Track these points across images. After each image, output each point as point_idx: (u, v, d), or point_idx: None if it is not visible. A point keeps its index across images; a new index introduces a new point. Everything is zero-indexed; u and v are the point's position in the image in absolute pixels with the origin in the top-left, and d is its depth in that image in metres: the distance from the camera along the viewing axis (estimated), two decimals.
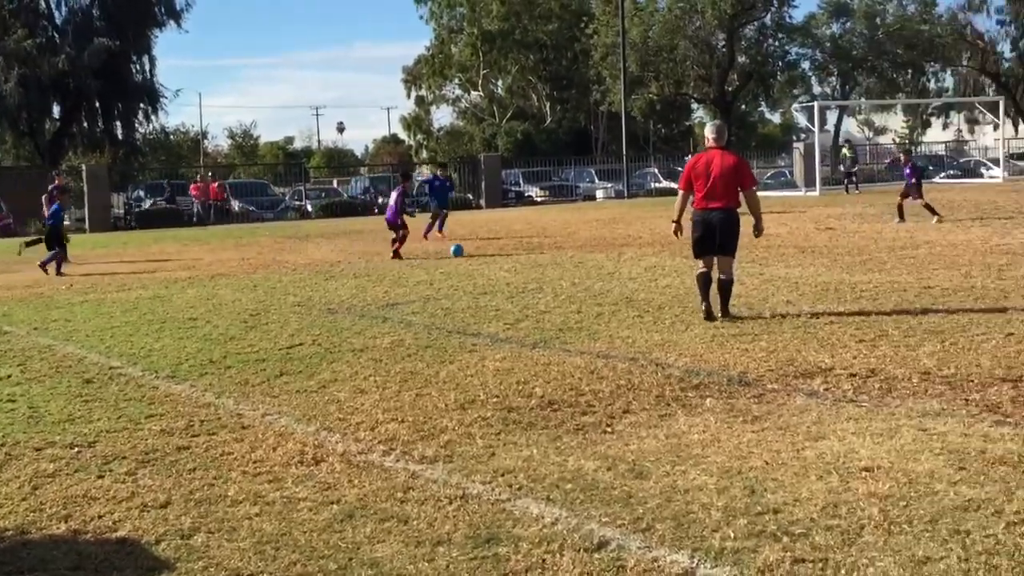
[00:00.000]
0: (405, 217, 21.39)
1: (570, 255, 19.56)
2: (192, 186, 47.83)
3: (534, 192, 53.05)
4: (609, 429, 7.02)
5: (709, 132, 11.62)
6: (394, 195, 21.59)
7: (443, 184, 27.96)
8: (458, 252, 20.62)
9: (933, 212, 22.95)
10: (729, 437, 6.65)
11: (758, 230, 11.49)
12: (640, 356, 9.41)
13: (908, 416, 6.93)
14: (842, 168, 44.48)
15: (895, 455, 6.07)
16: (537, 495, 5.72)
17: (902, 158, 27.67)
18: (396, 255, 20.62)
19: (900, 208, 23.53)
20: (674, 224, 11.80)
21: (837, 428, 6.72)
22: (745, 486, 5.66)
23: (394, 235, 21.05)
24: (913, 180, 23.82)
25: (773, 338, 9.93)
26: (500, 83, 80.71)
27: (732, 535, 4.96)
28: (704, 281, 11.32)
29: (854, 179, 41.79)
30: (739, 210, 11.27)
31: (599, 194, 52.44)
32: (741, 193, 11.23)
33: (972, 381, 7.84)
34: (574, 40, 73.44)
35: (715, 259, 11.31)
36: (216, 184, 47.24)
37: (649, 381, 8.35)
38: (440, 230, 26.05)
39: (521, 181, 55.11)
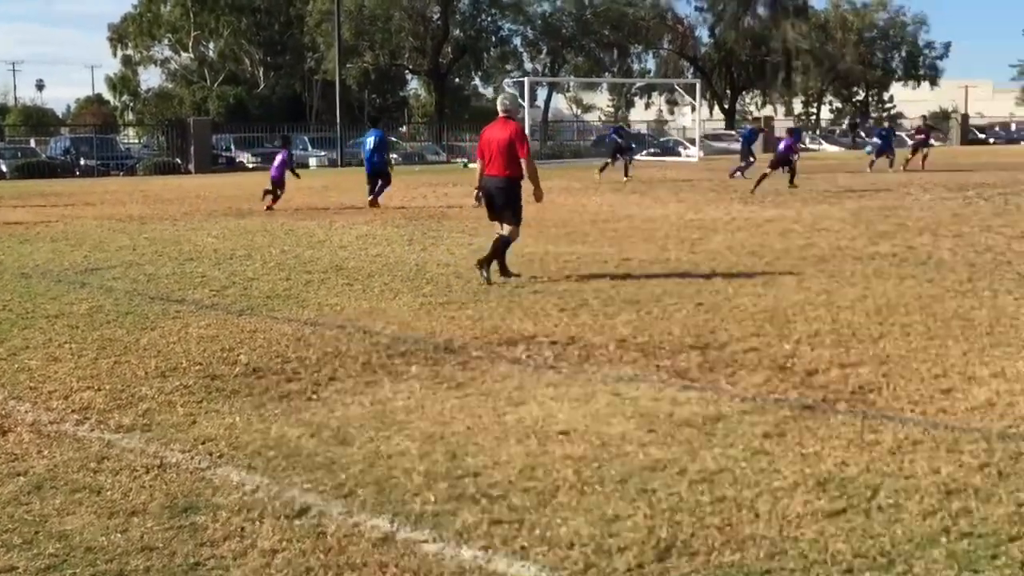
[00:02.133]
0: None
1: (281, 222, 19.29)
2: None
3: (246, 158, 51.88)
4: (314, 396, 6.98)
5: (499, 103, 12.06)
6: (279, 157, 22.80)
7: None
8: None
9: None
10: (433, 403, 6.74)
11: (536, 196, 12.00)
12: (348, 324, 9.40)
13: (604, 382, 7.21)
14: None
15: (590, 419, 6.31)
16: (238, 463, 5.63)
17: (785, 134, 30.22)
18: (270, 208, 22.05)
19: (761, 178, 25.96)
20: (475, 191, 12.27)
21: (537, 394, 6.92)
22: (447, 451, 5.75)
23: (274, 191, 22.44)
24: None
25: (479, 307, 10.11)
26: (212, 46, 78.51)
27: (433, 499, 5.03)
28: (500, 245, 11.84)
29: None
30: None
31: (312, 162, 51.82)
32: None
33: (664, 348, 8.23)
34: (289, 5, 72.31)
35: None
36: None
37: (356, 348, 8.35)
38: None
39: (233, 147, 53.83)
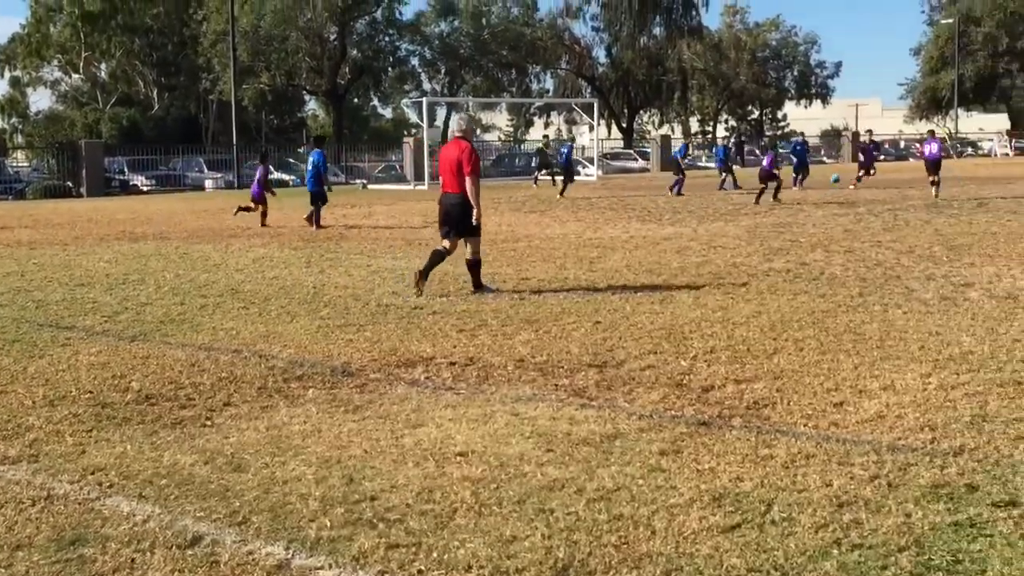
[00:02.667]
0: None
1: (176, 246, 18.99)
2: None
3: (140, 181, 51.04)
4: (209, 422, 6.87)
5: (454, 123, 12.60)
6: (258, 173, 23.66)
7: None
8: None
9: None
10: (330, 427, 6.67)
11: (474, 215, 12.17)
12: (244, 348, 9.27)
13: (502, 402, 7.21)
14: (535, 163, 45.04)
15: (489, 439, 6.30)
16: (129, 492, 5.50)
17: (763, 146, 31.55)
18: (265, 225, 22.72)
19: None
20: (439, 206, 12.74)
21: (435, 415, 6.89)
22: (344, 475, 5.69)
23: (260, 208, 23.10)
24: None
25: (378, 329, 10.05)
26: (104, 67, 77.16)
27: (329, 524, 4.97)
28: (435, 256, 12.36)
29: (547, 173, 42.17)
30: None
31: (208, 184, 51.19)
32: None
33: (562, 367, 8.26)
34: (183, 25, 71.42)
35: (461, 240, 12.30)
36: None
37: (252, 373, 8.24)
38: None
39: (126, 169, 52.90)
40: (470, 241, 12.32)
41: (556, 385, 7.70)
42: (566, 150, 37.57)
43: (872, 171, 34.30)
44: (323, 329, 10.12)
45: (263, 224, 22.76)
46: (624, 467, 5.72)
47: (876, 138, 38.03)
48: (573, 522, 4.95)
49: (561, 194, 32.38)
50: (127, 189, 49.26)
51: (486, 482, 5.53)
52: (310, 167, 23.00)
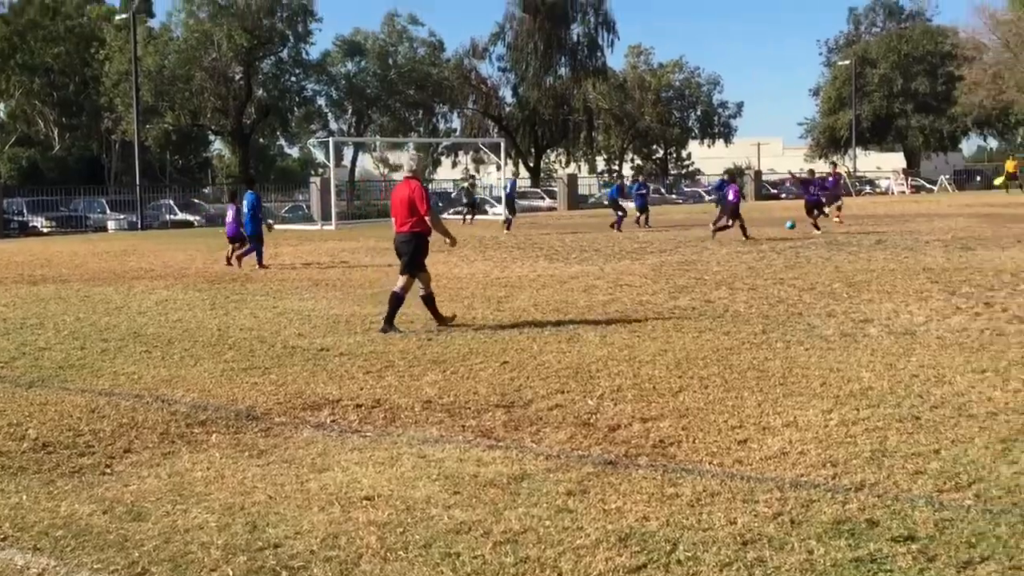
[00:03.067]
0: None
1: (76, 288, 18.62)
2: None
3: (40, 222, 50.03)
4: (108, 470, 6.72)
5: (403, 162, 12.70)
6: (246, 209, 22.39)
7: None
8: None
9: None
10: (234, 473, 6.57)
11: (449, 243, 12.92)
12: (146, 393, 9.11)
13: (409, 444, 7.17)
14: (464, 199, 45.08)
15: (395, 483, 6.25)
16: (23, 545, 5.36)
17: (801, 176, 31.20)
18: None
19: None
20: None
21: (341, 459, 6.83)
22: (247, 522, 5.60)
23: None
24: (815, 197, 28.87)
25: (283, 371, 9.94)
26: (2, 107, 75.72)
27: (231, 573, 4.89)
28: (425, 300, 12.61)
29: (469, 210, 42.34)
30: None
31: (111, 225, 50.37)
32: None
33: (469, 408, 8.24)
34: (84, 65, 70.41)
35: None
36: None
37: (154, 418, 8.10)
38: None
39: (25, 211, 51.83)
40: (401, 276, 12.41)
41: (463, 426, 7.68)
42: (509, 185, 38.20)
43: (839, 205, 32.30)
44: (227, 372, 9.98)
45: (228, 263, 22.49)
46: (531, 508, 5.71)
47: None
48: (480, 565, 4.93)
49: (507, 229, 33.12)
50: (26, 231, 48.21)
51: (392, 526, 5.48)
52: (247, 208, 22.61)
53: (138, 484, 6.38)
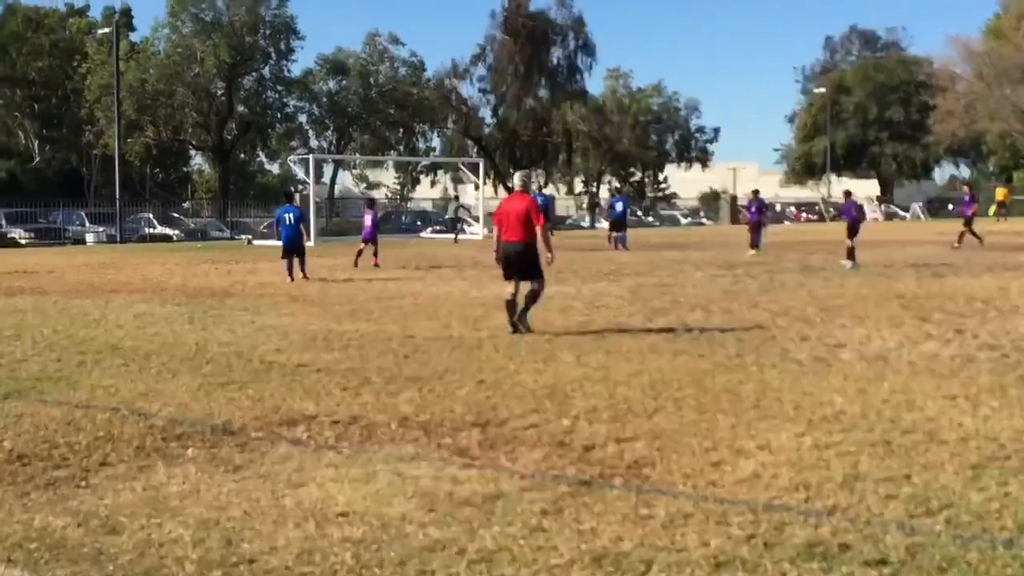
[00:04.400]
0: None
1: (54, 300, 18.59)
2: None
3: (18, 234, 49.84)
4: (83, 483, 6.72)
5: (515, 180, 14.61)
6: (368, 219, 27.55)
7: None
8: None
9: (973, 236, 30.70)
10: (209, 487, 6.58)
11: (547, 259, 13.69)
12: (122, 406, 9.10)
13: (385, 461, 7.19)
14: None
15: (371, 500, 6.28)
16: None
17: (965, 189, 34.77)
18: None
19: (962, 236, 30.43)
20: (494, 253, 14.22)
21: (317, 475, 6.84)
22: (222, 537, 5.62)
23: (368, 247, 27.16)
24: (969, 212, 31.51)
25: (260, 386, 9.95)
26: None
27: None
28: (508, 306, 13.67)
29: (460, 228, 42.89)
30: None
31: (90, 238, 50.26)
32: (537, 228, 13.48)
33: (445, 426, 8.27)
34: (66, 78, 70.26)
35: (520, 283, 13.65)
36: None
37: (130, 432, 8.10)
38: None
39: (4, 222, 51.63)
40: (535, 280, 13.70)
41: (439, 444, 7.71)
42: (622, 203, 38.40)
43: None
44: (204, 387, 9.98)
45: (375, 264, 26.45)
46: (506, 527, 5.75)
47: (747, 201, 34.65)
48: None
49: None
50: (4, 242, 48.03)
51: (367, 543, 5.51)
52: (293, 222, 23.17)
53: (113, 497, 6.39)
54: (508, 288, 13.78)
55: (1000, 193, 62.73)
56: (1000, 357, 11.45)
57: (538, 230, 13.56)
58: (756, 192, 33.74)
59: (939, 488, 6.46)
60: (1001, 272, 22.86)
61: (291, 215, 23.38)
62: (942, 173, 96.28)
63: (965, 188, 39.44)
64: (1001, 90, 72.19)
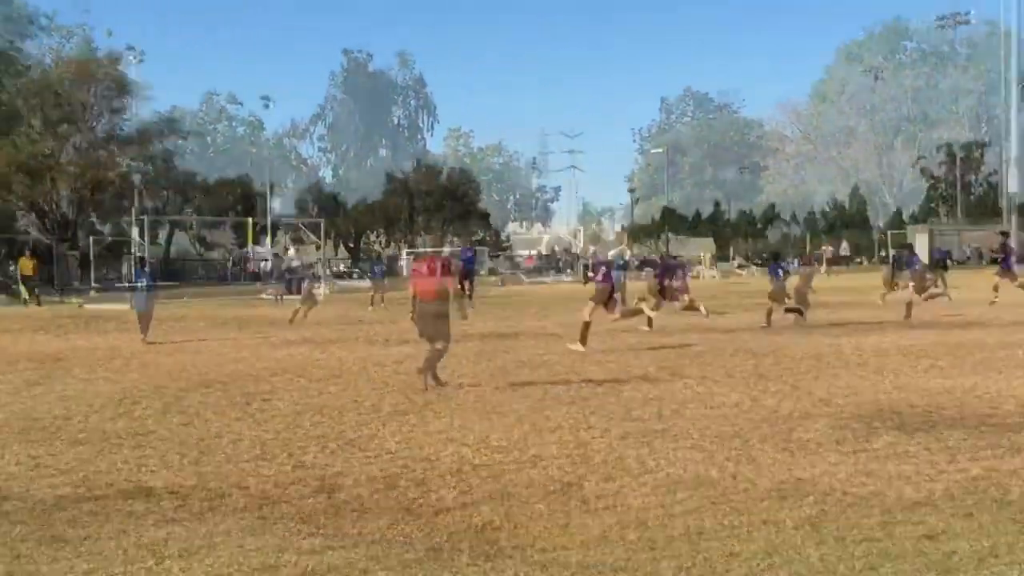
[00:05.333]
0: None
1: None
2: None
3: None
4: None
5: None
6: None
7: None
8: None
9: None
10: (38, 568, 6.29)
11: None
12: None
13: (227, 533, 6.98)
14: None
15: (211, 575, 6.08)
16: None
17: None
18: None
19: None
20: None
21: (155, 550, 6.60)
22: None
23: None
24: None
25: (97, 458, 9.59)
26: None
27: None
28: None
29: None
30: None
31: None
32: None
33: (290, 494, 8.09)
34: None
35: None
36: None
37: None
38: None
39: None
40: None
41: (283, 514, 7.54)
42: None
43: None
44: (35, 458, 9.58)
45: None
46: None
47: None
48: None
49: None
50: None
51: None
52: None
53: None
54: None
55: (829, 252, 65.18)
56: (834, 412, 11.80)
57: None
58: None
59: (780, 543, 6.58)
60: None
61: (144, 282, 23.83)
62: (773, 232, 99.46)
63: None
64: (827, 152, 75.37)
